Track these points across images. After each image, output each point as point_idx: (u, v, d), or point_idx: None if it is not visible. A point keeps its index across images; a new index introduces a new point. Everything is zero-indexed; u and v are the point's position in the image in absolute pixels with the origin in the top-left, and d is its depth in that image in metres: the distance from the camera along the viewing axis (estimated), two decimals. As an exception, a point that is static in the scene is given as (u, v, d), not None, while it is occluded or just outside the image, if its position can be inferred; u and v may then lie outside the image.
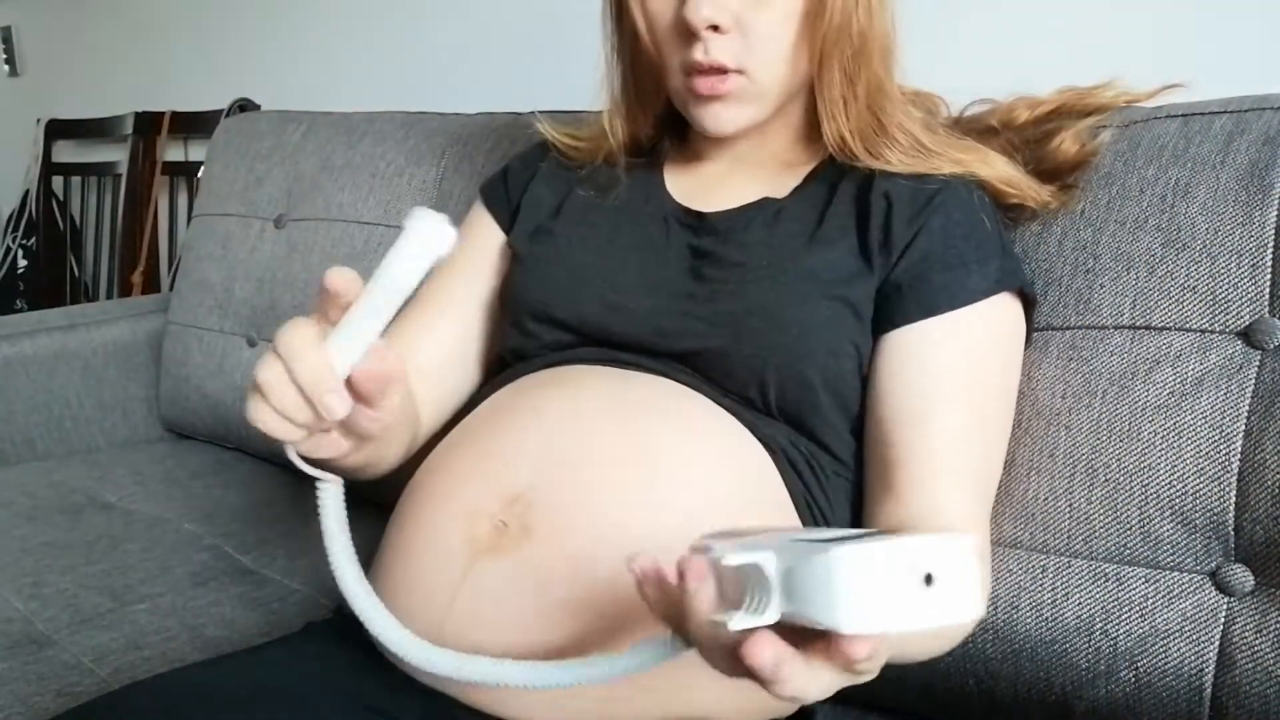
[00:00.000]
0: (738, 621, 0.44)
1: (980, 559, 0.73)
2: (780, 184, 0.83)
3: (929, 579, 0.40)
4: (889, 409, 0.75)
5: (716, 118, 0.79)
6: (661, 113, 0.88)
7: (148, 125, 2.24)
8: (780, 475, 0.74)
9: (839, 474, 0.78)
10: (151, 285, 2.25)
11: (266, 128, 1.57)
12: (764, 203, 0.82)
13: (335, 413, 0.55)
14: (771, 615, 0.44)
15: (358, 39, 1.94)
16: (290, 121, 1.54)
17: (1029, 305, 0.82)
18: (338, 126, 1.47)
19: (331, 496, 0.61)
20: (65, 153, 2.53)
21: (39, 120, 2.55)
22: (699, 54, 0.76)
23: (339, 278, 0.54)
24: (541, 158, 0.95)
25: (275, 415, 0.56)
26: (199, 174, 1.83)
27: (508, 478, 0.69)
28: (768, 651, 0.44)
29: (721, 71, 0.77)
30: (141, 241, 2.26)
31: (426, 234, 0.53)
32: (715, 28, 0.75)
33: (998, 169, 0.82)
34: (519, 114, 1.31)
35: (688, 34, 0.76)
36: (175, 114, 2.23)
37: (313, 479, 0.61)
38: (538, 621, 0.65)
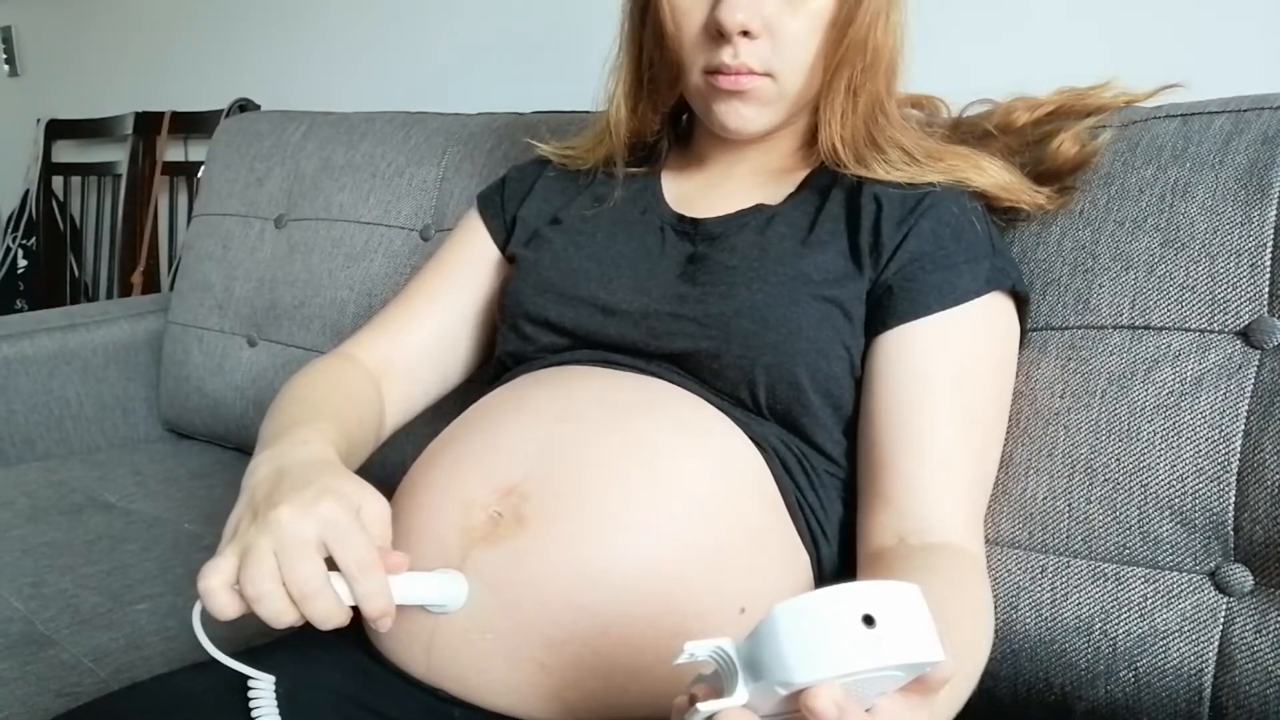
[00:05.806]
0: (706, 707, 0.44)
1: (976, 571, 0.73)
2: (775, 191, 0.84)
3: (869, 620, 0.41)
4: (882, 410, 0.75)
5: (738, 115, 0.80)
6: (668, 111, 0.88)
7: (148, 125, 2.24)
8: (771, 473, 0.74)
9: (831, 473, 0.78)
10: (151, 285, 2.25)
11: (266, 128, 1.57)
12: (758, 209, 0.83)
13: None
14: (740, 695, 0.43)
15: (358, 39, 1.94)
16: (290, 121, 1.54)
17: (1023, 305, 0.82)
18: (338, 126, 1.47)
19: (265, 695, 0.65)
20: (65, 153, 2.53)
21: (39, 120, 2.55)
22: (727, 56, 0.77)
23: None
24: (541, 170, 0.96)
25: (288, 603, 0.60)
26: (199, 174, 1.83)
27: (503, 470, 0.70)
28: None
29: (748, 74, 0.77)
30: (141, 241, 2.26)
31: (453, 593, 0.65)
32: (746, 33, 0.76)
33: (990, 175, 0.82)
34: (519, 114, 1.31)
35: (717, 35, 0.77)
36: (175, 114, 2.23)
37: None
38: (532, 611, 0.65)
